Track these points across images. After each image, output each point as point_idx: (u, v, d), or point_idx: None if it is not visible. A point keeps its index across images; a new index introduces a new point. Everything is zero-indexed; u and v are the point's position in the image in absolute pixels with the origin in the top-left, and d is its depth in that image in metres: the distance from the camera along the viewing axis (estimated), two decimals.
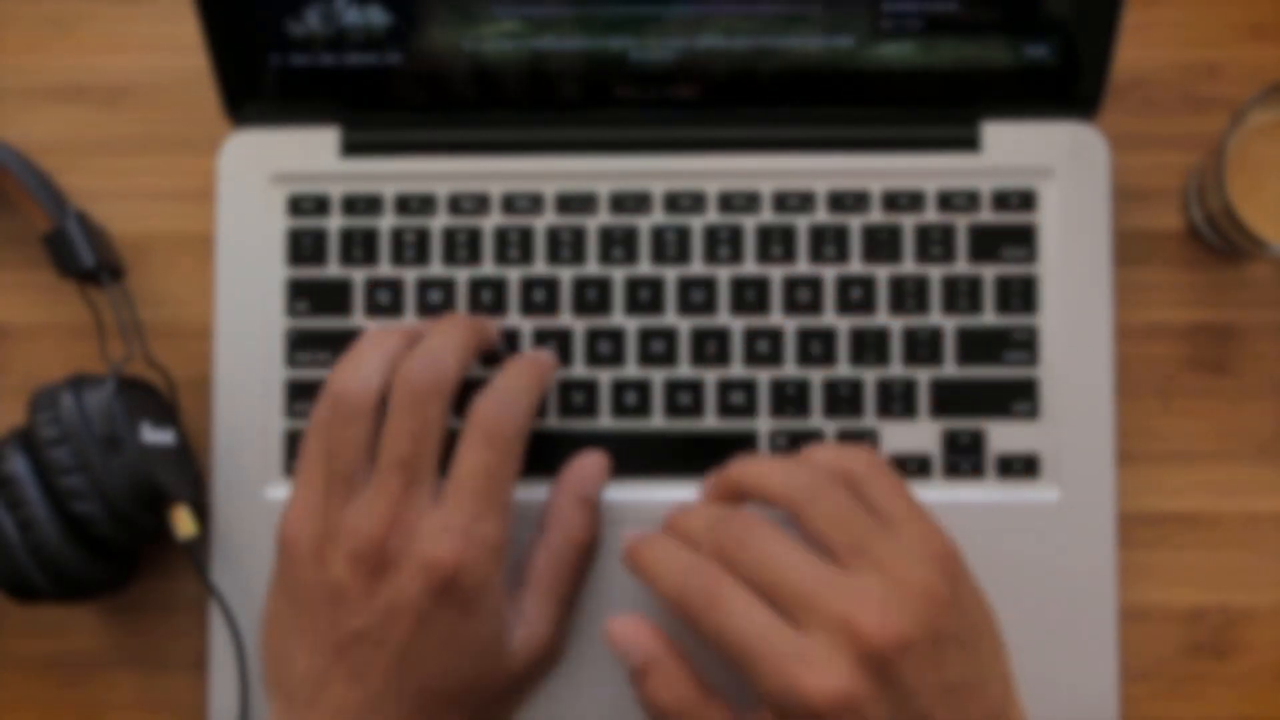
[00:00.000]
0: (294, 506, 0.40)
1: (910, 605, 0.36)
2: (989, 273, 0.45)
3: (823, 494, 0.38)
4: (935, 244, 0.45)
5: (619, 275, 0.46)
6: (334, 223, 0.46)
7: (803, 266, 0.45)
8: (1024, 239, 0.45)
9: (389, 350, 0.41)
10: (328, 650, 0.38)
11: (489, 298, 0.46)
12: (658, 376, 0.45)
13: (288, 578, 0.40)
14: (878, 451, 0.42)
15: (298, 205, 0.46)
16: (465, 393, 0.43)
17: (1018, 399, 0.45)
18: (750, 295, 0.45)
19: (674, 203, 0.46)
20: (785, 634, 0.36)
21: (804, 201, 0.46)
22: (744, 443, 0.45)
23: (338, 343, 0.46)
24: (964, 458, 0.45)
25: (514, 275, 0.46)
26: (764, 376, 0.45)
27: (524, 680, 0.41)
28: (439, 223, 0.46)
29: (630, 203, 0.46)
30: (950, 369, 0.45)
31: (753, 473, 0.41)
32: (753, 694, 0.37)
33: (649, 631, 0.40)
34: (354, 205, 0.46)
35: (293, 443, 0.45)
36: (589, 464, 0.44)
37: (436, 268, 0.46)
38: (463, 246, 0.46)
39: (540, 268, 0.46)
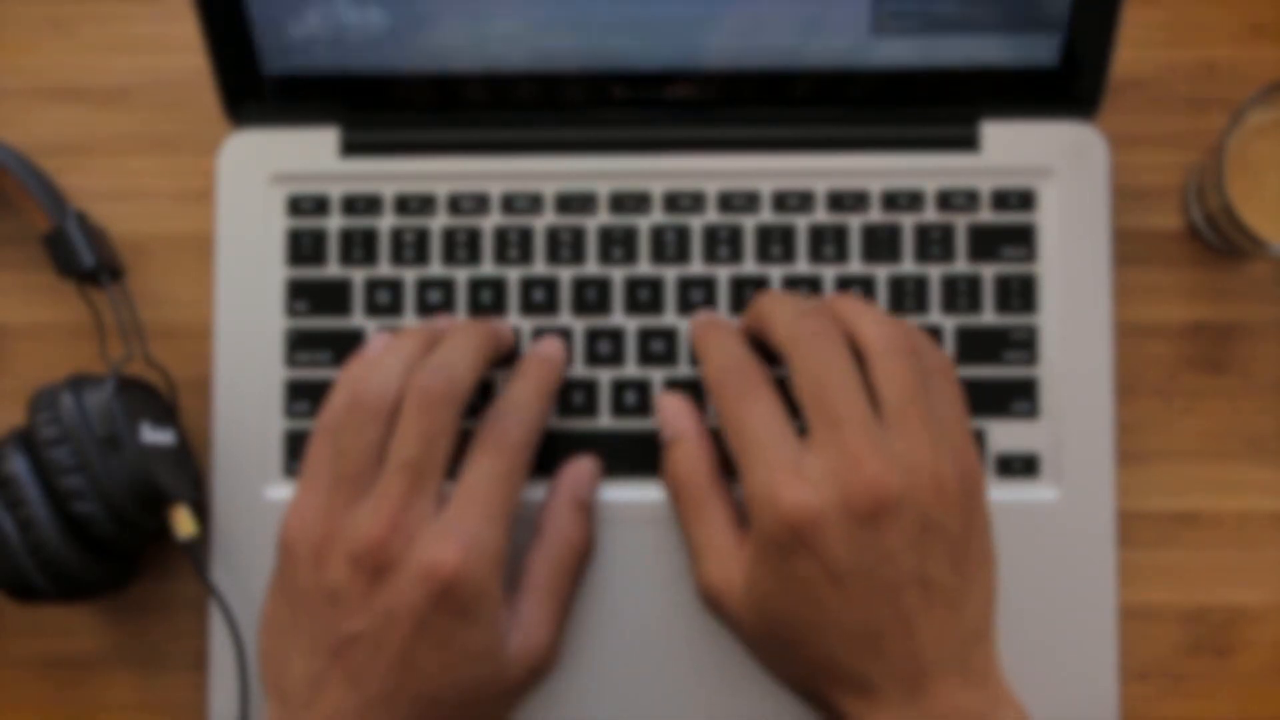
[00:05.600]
0: (297, 507, 0.40)
1: (917, 480, 0.37)
2: (988, 272, 0.45)
3: (902, 355, 0.39)
4: (935, 244, 0.45)
5: (619, 275, 0.46)
6: (334, 223, 0.46)
7: (802, 266, 0.45)
8: (1023, 238, 0.45)
9: (406, 356, 0.41)
10: (325, 653, 0.38)
11: (489, 298, 0.46)
12: (657, 376, 0.45)
13: (287, 579, 0.40)
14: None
15: (297, 205, 0.46)
16: (477, 398, 0.43)
17: (1017, 398, 0.45)
18: (750, 294, 0.45)
19: (673, 203, 0.46)
20: (792, 445, 0.38)
21: (803, 201, 0.46)
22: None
23: (338, 343, 0.46)
24: None
25: (514, 275, 0.46)
26: None
27: (520, 685, 0.41)
28: (439, 223, 0.46)
29: (630, 203, 0.46)
30: None
31: (852, 310, 0.41)
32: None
33: (689, 413, 0.44)
34: (354, 205, 0.46)
35: (293, 443, 0.46)
36: (583, 468, 0.44)
37: (436, 268, 0.46)
38: (462, 246, 0.46)
39: (540, 268, 0.46)
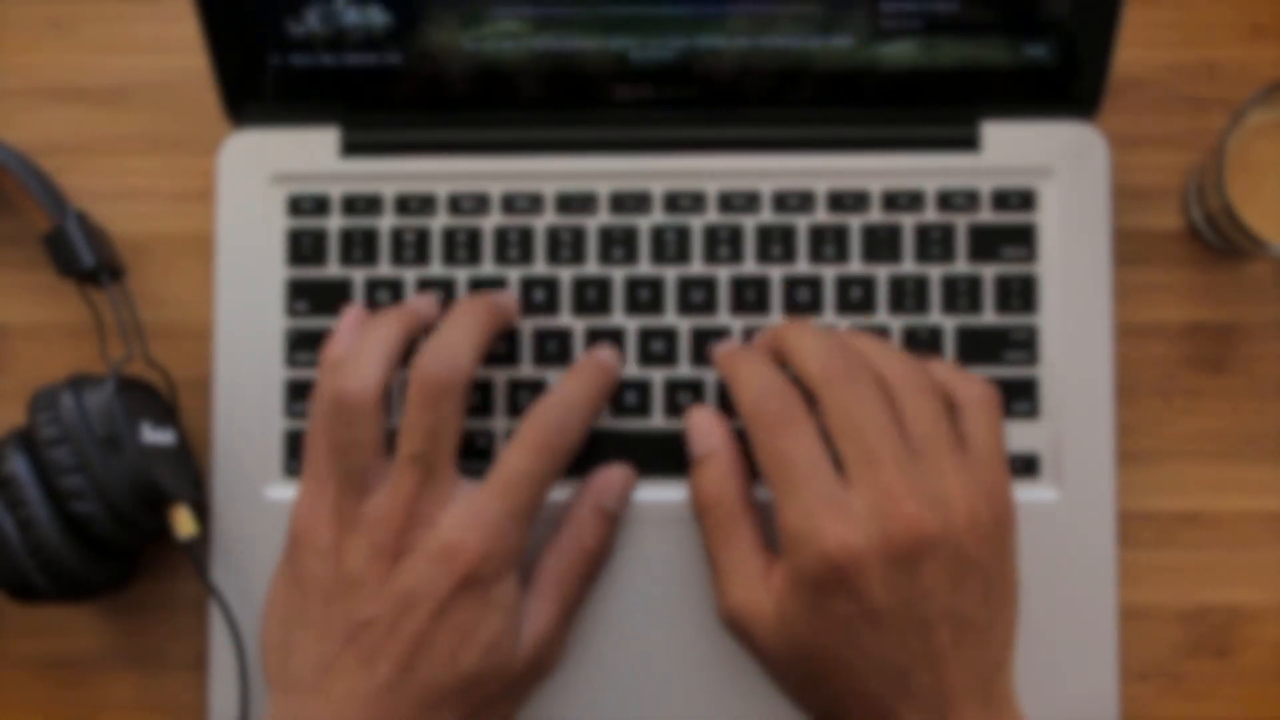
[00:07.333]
0: (305, 501, 0.40)
1: (953, 518, 0.37)
2: (989, 272, 0.45)
3: (924, 392, 0.39)
4: (935, 244, 0.45)
5: (619, 275, 0.46)
6: (334, 223, 0.46)
7: (803, 266, 0.45)
8: (1024, 239, 0.45)
9: (386, 343, 0.41)
10: (336, 638, 0.38)
11: None
12: (658, 376, 0.45)
13: (299, 570, 0.40)
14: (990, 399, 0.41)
15: (298, 205, 0.46)
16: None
17: (1017, 399, 0.45)
18: (750, 295, 0.45)
19: (674, 203, 0.46)
20: (832, 480, 0.38)
21: (804, 201, 0.46)
22: (743, 441, 0.45)
23: None
24: None
25: (514, 275, 0.46)
26: None
27: (524, 681, 0.41)
28: (439, 223, 0.46)
29: (630, 203, 0.46)
30: None
31: (872, 349, 0.41)
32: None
33: (720, 428, 0.43)
34: (354, 205, 0.46)
35: (293, 442, 0.46)
36: (614, 476, 0.44)
37: (436, 268, 0.46)
38: (463, 246, 0.46)
39: (540, 268, 0.46)
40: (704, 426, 0.43)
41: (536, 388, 0.45)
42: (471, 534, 0.38)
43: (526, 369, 0.45)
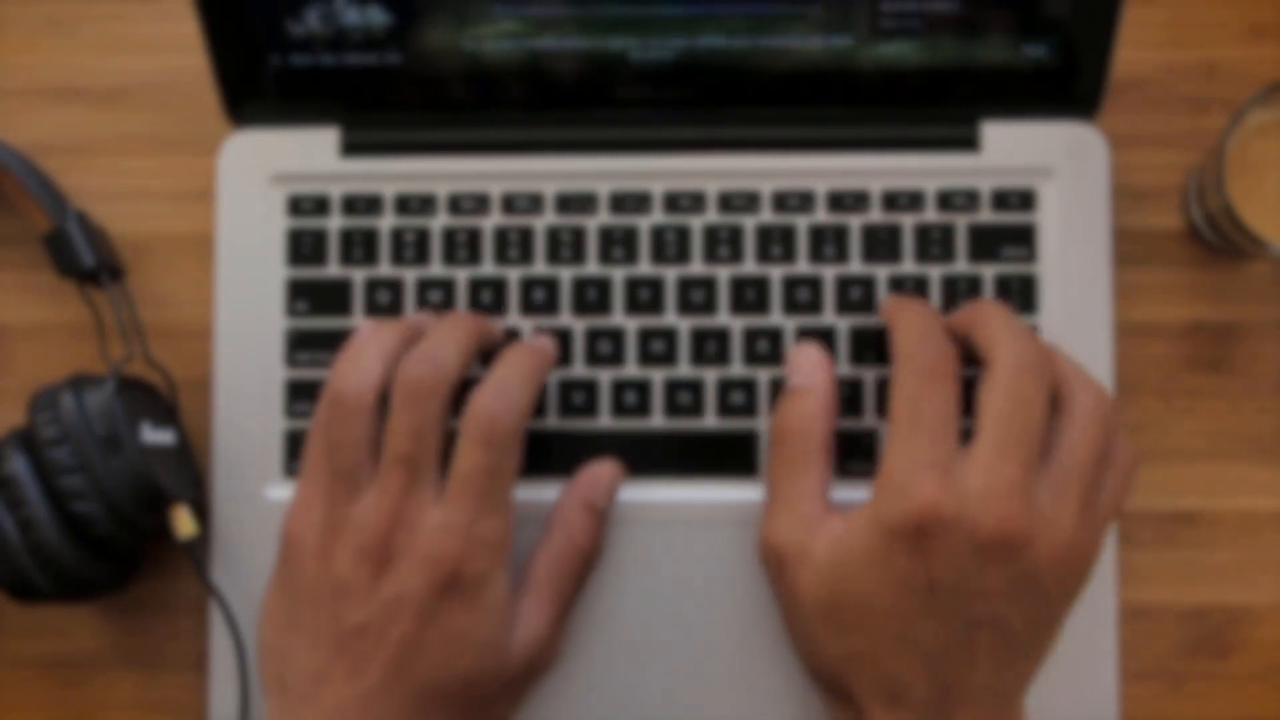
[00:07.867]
0: (297, 504, 0.40)
1: (1045, 539, 0.37)
2: (989, 272, 0.45)
3: (1102, 431, 0.38)
4: (935, 244, 0.45)
5: (619, 275, 0.46)
6: (334, 223, 0.46)
7: (802, 266, 0.45)
8: (1024, 239, 0.45)
9: (386, 346, 0.41)
10: (328, 645, 0.38)
11: (489, 298, 0.46)
12: (658, 376, 0.45)
13: (290, 574, 0.40)
14: None
15: (298, 205, 0.46)
16: (464, 389, 0.43)
17: None
18: (750, 295, 0.45)
19: (674, 203, 0.46)
20: (952, 445, 0.38)
21: (804, 201, 0.46)
22: (744, 442, 0.45)
23: (338, 343, 0.46)
24: None
25: (514, 275, 0.46)
26: (764, 376, 0.45)
27: (520, 681, 0.41)
28: (439, 223, 0.46)
29: (630, 203, 0.46)
30: None
31: (1072, 370, 0.40)
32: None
33: (826, 368, 0.43)
34: (354, 205, 0.46)
35: (293, 443, 0.46)
36: (601, 472, 0.44)
37: (436, 268, 0.46)
38: (463, 246, 0.46)
39: (540, 268, 0.46)
40: (810, 362, 0.43)
41: None
42: (450, 541, 0.38)
43: None
